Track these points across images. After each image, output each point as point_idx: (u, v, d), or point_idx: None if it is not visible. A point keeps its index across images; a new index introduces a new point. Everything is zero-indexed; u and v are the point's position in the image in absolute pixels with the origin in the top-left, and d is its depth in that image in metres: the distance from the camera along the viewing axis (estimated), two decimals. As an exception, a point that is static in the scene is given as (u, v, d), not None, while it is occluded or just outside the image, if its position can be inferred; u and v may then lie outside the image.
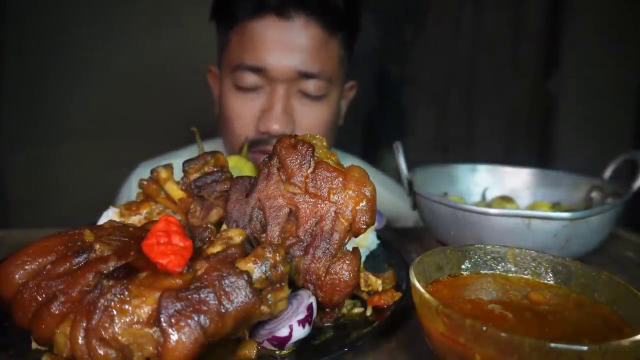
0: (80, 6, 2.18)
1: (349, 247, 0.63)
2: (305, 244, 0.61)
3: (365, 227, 0.62)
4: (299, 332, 0.56)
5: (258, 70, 1.09)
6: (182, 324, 0.46)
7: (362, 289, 0.66)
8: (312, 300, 0.59)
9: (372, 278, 0.67)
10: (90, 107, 2.23)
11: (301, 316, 0.56)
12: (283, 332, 0.55)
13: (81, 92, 2.23)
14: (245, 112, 1.13)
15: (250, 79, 1.11)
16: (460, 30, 2.60)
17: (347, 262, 0.60)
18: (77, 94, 2.22)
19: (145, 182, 0.74)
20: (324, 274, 0.60)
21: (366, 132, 2.67)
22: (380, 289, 0.67)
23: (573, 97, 2.57)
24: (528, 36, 2.59)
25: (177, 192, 0.72)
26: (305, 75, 1.10)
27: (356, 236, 0.62)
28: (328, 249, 0.60)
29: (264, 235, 0.63)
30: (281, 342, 0.55)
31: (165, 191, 0.73)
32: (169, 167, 0.74)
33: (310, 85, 1.11)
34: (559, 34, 2.55)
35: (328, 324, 0.63)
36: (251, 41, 1.09)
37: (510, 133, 2.69)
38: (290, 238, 0.62)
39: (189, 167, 0.72)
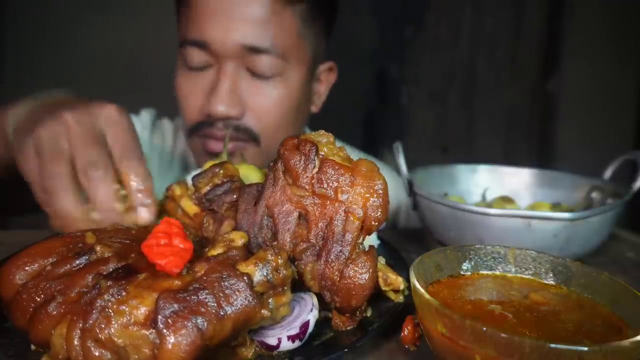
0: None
1: (365, 244, 0.60)
2: (318, 248, 0.58)
3: (377, 224, 0.58)
4: (288, 345, 0.54)
5: (202, 46, 0.99)
6: (179, 325, 0.45)
7: (384, 288, 0.63)
8: (311, 317, 0.56)
9: (392, 276, 0.63)
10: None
11: (292, 332, 0.54)
12: (271, 341, 0.54)
13: (84, 93, 2.23)
14: (193, 93, 1.04)
15: (196, 55, 1.01)
16: (460, 30, 2.60)
17: (361, 264, 0.57)
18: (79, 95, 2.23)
19: (162, 201, 0.74)
20: (338, 279, 0.57)
21: (366, 132, 2.67)
22: (402, 286, 0.63)
23: (573, 97, 2.57)
24: (528, 36, 2.59)
25: (191, 208, 0.71)
26: (254, 50, 0.99)
27: (369, 234, 0.60)
28: (341, 251, 0.57)
29: (276, 243, 0.60)
30: (269, 348, 0.54)
31: (182, 208, 0.73)
32: (182, 183, 0.74)
33: (260, 62, 1.00)
34: (558, 34, 2.56)
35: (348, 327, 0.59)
36: (194, 13, 1.00)
37: (510, 133, 2.69)
38: (302, 243, 0.59)
39: (198, 181, 0.71)
